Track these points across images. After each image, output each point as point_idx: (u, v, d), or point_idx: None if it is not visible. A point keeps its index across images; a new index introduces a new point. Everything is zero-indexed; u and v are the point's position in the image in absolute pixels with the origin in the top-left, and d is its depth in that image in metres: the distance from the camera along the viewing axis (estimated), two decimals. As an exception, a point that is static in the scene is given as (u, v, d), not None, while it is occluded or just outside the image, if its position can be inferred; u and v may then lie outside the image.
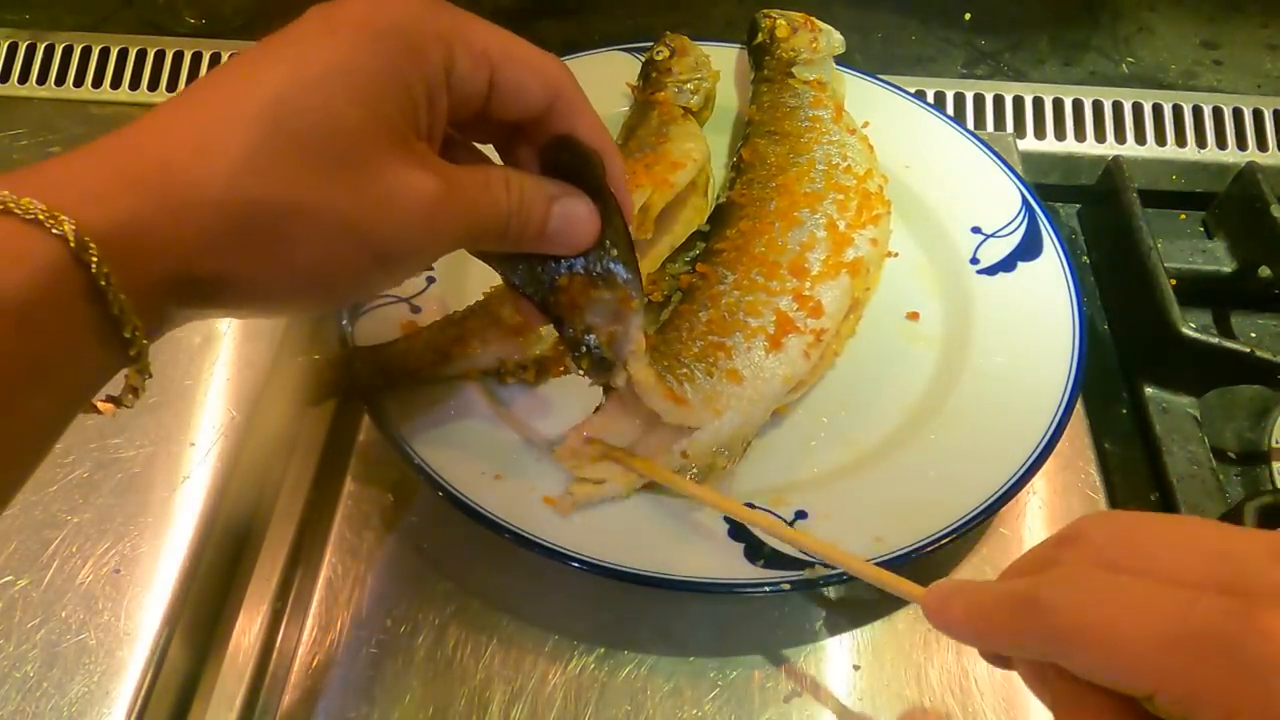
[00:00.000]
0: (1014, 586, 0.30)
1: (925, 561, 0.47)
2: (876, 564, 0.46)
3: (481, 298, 0.56)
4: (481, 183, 0.37)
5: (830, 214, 0.58)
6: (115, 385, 0.33)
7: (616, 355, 0.43)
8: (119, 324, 0.30)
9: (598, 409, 0.49)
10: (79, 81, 0.80)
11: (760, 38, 0.69)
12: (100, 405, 0.33)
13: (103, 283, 0.29)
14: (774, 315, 0.53)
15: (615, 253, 0.41)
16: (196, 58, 0.81)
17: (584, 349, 0.43)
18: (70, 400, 0.32)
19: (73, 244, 0.28)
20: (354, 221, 0.33)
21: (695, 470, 0.50)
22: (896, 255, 0.62)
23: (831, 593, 0.51)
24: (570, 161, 0.40)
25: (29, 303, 0.28)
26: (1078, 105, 0.78)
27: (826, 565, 0.47)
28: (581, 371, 0.44)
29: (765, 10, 0.70)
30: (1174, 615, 0.26)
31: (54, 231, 0.28)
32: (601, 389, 0.47)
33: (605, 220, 0.41)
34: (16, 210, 0.28)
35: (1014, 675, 0.31)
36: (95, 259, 0.29)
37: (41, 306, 0.28)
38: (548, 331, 0.54)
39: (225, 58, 0.80)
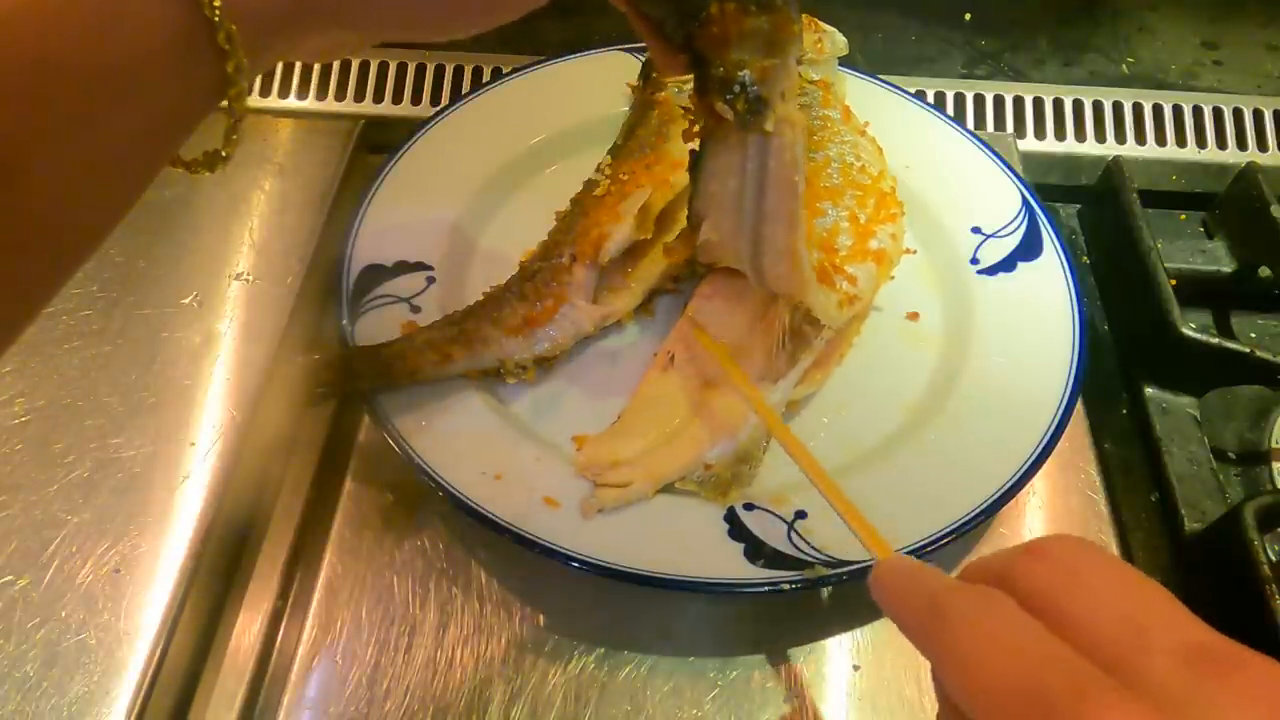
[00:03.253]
0: (936, 586, 0.29)
1: (925, 561, 0.47)
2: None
3: (481, 298, 0.56)
4: None
5: (851, 208, 0.58)
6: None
7: (772, 92, 0.38)
8: (212, 26, 0.27)
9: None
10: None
11: (762, 37, 0.69)
12: (198, 159, 0.31)
13: None
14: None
15: None
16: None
17: (737, 88, 0.37)
18: (161, 121, 0.28)
19: None
20: None
21: (719, 481, 0.50)
22: (915, 253, 0.62)
23: (831, 593, 0.51)
24: None
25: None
26: (1078, 105, 0.78)
27: (827, 565, 0.47)
28: (732, 115, 0.38)
29: (766, 10, 0.70)
30: (1031, 668, 0.24)
31: None
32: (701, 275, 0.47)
33: None
34: None
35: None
36: None
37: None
38: (547, 330, 0.54)
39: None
